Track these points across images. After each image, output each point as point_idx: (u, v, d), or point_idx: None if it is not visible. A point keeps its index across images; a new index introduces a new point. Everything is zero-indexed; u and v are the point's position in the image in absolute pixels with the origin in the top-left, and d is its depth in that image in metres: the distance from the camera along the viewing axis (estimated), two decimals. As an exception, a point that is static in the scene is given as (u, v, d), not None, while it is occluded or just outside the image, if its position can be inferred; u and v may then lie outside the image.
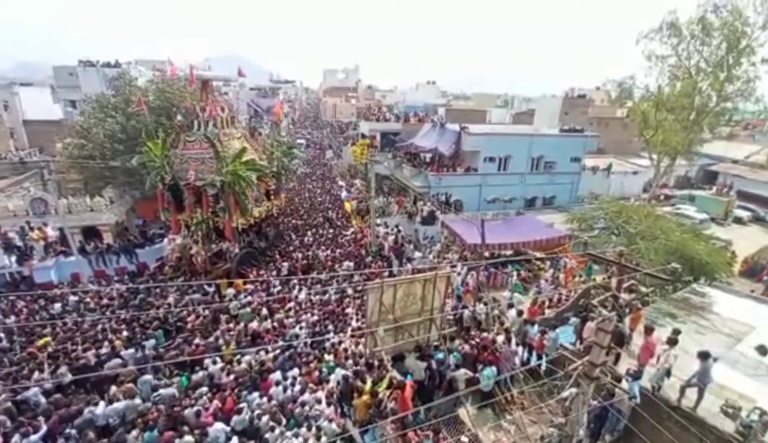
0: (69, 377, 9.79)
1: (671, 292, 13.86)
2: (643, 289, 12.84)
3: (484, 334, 11.64)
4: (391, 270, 17.07)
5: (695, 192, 31.33)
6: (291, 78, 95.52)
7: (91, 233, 19.76)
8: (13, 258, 16.59)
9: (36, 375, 9.97)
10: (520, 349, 11.19)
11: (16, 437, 8.11)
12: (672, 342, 8.24)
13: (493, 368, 9.65)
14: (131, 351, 11.12)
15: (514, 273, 16.86)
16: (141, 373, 10.05)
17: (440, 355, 9.81)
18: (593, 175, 30.26)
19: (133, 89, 24.48)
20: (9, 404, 8.97)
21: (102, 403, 9.11)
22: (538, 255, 18.01)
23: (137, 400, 9.35)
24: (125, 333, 12.06)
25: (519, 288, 15.49)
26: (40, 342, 11.41)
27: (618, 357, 9.21)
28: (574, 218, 19.97)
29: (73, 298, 14.49)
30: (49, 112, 40.47)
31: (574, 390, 6.72)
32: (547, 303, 13.85)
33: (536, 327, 11.27)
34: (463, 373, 9.57)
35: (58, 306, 13.97)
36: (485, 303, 13.43)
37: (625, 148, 38.96)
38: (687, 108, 27.00)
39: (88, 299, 14.64)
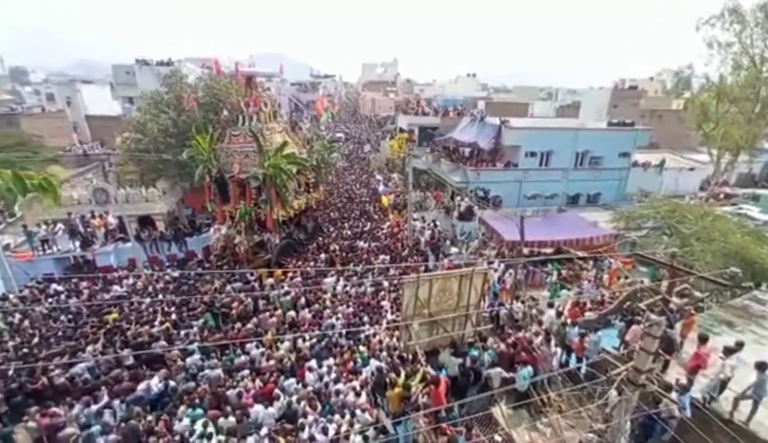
0: (129, 355, 10.65)
1: (729, 299, 12.92)
2: (698, 294, 12.05)
3: (521, 333, 11.41)
4: (427, 264, 17.05)
5: (759, 191, 28.82)
6: (331, 73, 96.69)
7: (145, 221, 21.16)
8: (77, 244, 18.10)
9: (89, 349, 10.90)
10: (558, 351, 10.88)
11: (77, 408, 8.95)
12: (729, 352, 7.73)
13: (530, 368, 9.45)
14: (183, 331, 11.88)
15: (554, 272, 16.34)
16: (189, 353, 10.76)
17: (474, 352, 9.73)
18: (644, 171, 28.55)
19: (184, 86, 25.80)
20: (63, 379, 9.91)
21: (156, 378, 9.82)
22: (580, 254, 17.32)
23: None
24: (174, 316, 12.88)
25: (558, 288, 14.99)
26: (108, 317, 12.55)
27: (666, 364, 8.75)
28: (621, 217, 19.00)
29: (128, 281, 15.68)
30: (109, 108, 43.46)
31: (614, 392, 6.48)
32: (588, 304, 13.35)
33: (576, 328, 10.90)
34: (498, 372, 9.45)
35: (117, 288, 15.12)
36: (522, 302, 13.15)
37: (680, 143, 36.37)
38: (751, 99, 24.80)
39: (140, 284, 15.75)
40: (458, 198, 24.12)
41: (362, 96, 72.20)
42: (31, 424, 8.70)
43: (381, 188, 29.35)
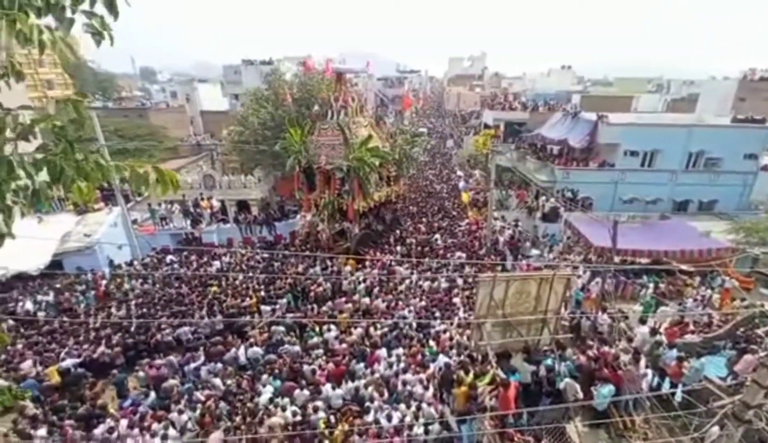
0: (224, 323, 12.11)
1: None
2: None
3: (606, 348, 10.53)
4: (504, 265, 16.48)
5: None
6: (416, 67, 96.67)
7: (242, 205, 23.52)
8: (189, 222, 20.79)
9: (197, 315, 12.53)
10: (649, 372, 9.85)
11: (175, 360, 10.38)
12: None
13: (611, 387, 8.70)
14: (268, 308, 13.07)
15: (651, 285, 14.68)
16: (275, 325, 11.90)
17: (549, 361, 9.25)
18: (776, 175, 24.13)
19: (281, 83, 27.94)
20: (170, 338, 11.55)
21: (243, 346, 11.02)
22: (685, 267, 15.34)
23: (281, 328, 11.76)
24: (262, 293, 14.18)
25: (654, 303, 13.47)
26: (210, 289, 14.33)
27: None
28: (742, 228, 16.40)
29: (226, 259, 17.64)
30: (219, 103, 48.80)
31: (716, 428, 5.75)
32: (691, 325, 11.84)
33: (674, 351, 9.78)
34: (575, 389, 8.84)
35: (217, 263, 17.11)
36: (612, 317, 12.08)
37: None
38: None
39: (236, 261, 17.59)
40: (543, 198, 22.80)
41: (447, 90, 71.31)
42: (141, 374, 10.36)
43: (461, 184, 28.85)
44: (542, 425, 8.23)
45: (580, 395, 8.65)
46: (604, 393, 8.56)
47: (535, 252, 18.13)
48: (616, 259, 14.28)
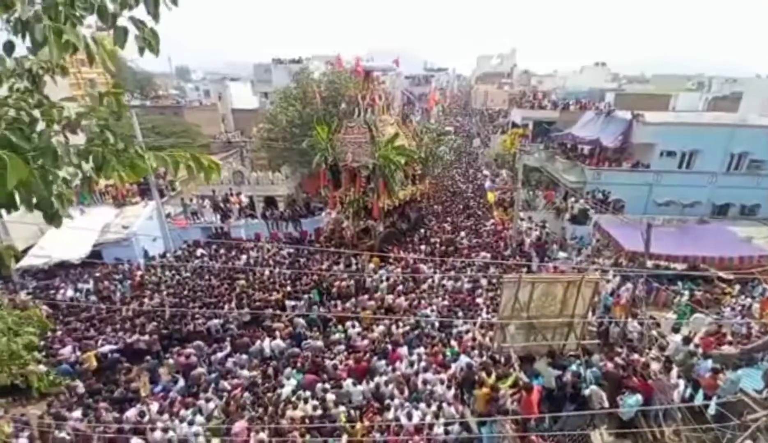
0: (247, 315, 12.44)
1: None
2: None
3: (635, 356, 10.17)
4: (530, 266, 16.17)
5: None
6: (444, 65, 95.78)
7: (269, 202, 24.04)
8: (218, 217, 21.45)
9: (226, 307, 12.93)
10: (681, 383, 9.45)
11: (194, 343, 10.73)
12: None
13: (638, 397, 8.39)
14: (292, 302, 13.35)
15: (686, 292, 14.06)
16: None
17: (574, 367, 9.01)
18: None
19: (310, 82, 28.34)
20: (202, 329, 11.96)
21: (267, 339, 11.30)
22: (723, 274, 14.60)
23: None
24: (288, 288, 14.47)
25: (688, 311, 12.89)
26: (238, 282, 14.73)
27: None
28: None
29: (254, 253, 18.09)
30: (249, 102, 49.93)
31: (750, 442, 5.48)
32: (729, 336, 11.26)
33: (709, 362, 9.34)
34: (601, 396, 8.58)
35: (245, 257, 17.57)
36: (641, 323, 11.65)
37: None
38: None
39: (263, 256, 18.00)
40: (572, 199, 22.19)
41: (475, 89, 70.39)
42: (171, 361, 10.79)
43: (487, 184, 28.49)
44: (565, 431, 8.05)
45: (606, 403, 8.39)
46: (630, 402, 8.27)
47: (562, 254, 17.72)
48: (649, 264, 13.75)
